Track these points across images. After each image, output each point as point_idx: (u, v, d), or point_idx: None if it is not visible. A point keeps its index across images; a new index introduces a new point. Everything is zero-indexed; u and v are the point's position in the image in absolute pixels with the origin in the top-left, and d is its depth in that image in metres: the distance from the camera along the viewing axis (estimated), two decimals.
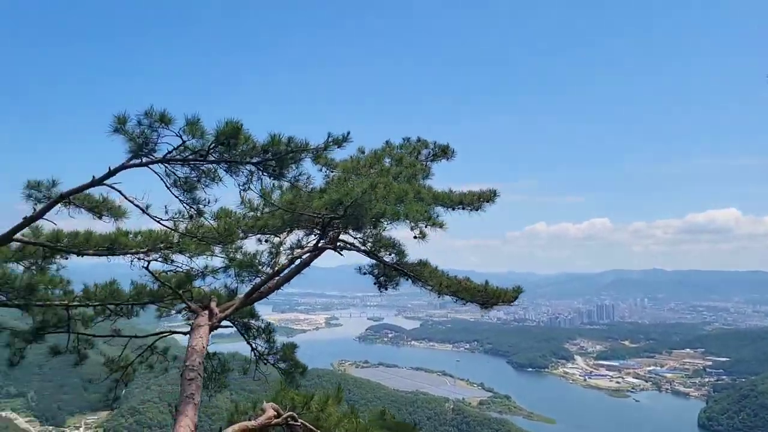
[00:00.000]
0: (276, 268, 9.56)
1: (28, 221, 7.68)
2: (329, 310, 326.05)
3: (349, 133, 7.06)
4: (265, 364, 10.81)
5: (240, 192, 9.44)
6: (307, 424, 6.32)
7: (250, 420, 6.19)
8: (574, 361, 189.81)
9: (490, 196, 10.47)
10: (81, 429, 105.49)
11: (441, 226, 8.90)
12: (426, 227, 8.76)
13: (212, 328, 8.29)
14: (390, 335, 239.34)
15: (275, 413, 6.28)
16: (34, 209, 7.77)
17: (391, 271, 10.26)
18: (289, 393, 6.97)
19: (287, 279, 9.55)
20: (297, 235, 10.58)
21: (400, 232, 9.98)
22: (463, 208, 10.24)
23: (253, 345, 10.67)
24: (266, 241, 10.67)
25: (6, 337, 10.71)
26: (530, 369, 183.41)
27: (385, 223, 8.64)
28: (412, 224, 8.58)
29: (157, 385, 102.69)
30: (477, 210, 10.33)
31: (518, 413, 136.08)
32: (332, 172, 10.82)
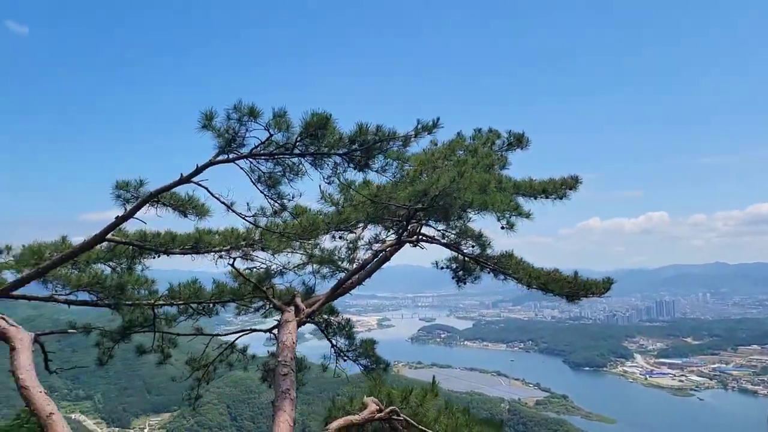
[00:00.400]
0: (358, 263, 9.44)
1: (119, 220, 7.78)
2: (381, 312, 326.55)
3: (439, 119, 6.85)
4: (345, 360, 10.72)
5: (320, 186, 9.41)
6: (409, 419, 6.14)
7: (352, 415, 6.07)
8: (633, 360, 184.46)
9: (573, 184, 10.08)
10: (146, 430, 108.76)
11: (528, 216, 8.61)
12: (511, 217, 8.48)
13: (299, 324, 8.23)
14: (442, 335, 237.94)
15: (377, 408, 6.14)
16: (125, 209, 7.88)
17: (471, 264, 10.02)
18: (384, 388, 6.81)
19: (369, 274, 9.43)
20: (373, 229, 10.46)
21: (475, 223, 9.74)
22: (546, 197, 9.89)
23: (333, 342, 10.59)
24: (340, 237, 10.57)
25: (90, 338, 10.98)
26: (587, 368, 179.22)
27: (471, 213, 8.40)
28: (498, 214, 8.30)
29: (216, 387, 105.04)
30: (561, 198, 9.96)
31: (576, 413, 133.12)
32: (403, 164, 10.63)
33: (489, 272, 9.71)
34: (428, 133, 6.87)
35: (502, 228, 8.48)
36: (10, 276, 8.39)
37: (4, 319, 7.39)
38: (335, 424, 5.74)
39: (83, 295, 9.08)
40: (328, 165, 7.57)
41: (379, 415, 6.04)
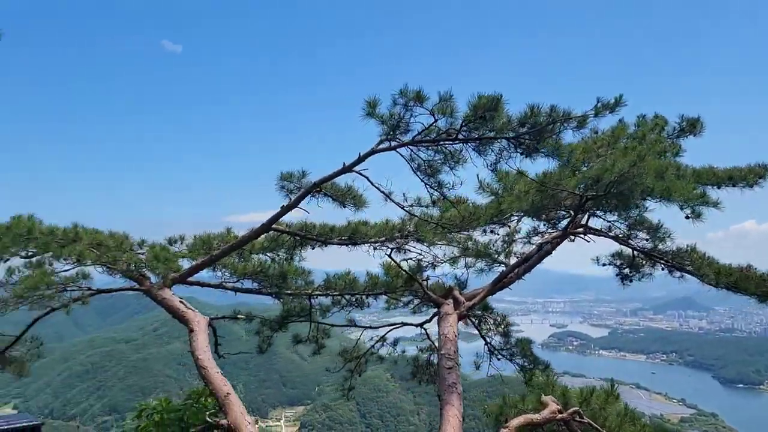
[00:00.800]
0: (516, 257, 8.99)
1: (284, 210, 7.96)
2: (509, 316, 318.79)
3: (621, 96, 6.25)
4: (499, 359, 10.28)
5: (477, 175, 9.04)
6: (593, 423, 5.62)
7: (529, 414, 5.66)
8: None
9: (762, 172, 8.90)
10: (282, 421, 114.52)
11: (716, 205, 7.70)
12: (696, 206, 7.61)
13: (459, 317, 7.94)
14: (575, 343, 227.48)
15: (558, 408, 5.68)
16: (289, 199, 8.06)
17: (640, 260, 9.18)
18: (558, 387, 6.33)
19: (530, 268, 8.94)
20: (528, 222, 9.92)
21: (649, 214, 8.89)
22: (734, 185, 8.78)
23: (487, 339, 10.19)
24: (491, 231, 10.13)
25: (233, 330, 11.40)
26: (741, 385, 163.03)
27: (650, 202, 7.62)
28: (682, 203, 7.47)
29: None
30: (752, 186, 8.81)
31: None
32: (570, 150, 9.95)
33: (663, 269, 8.83)
34: (610, 112, 6.28)
35: (687, 218, 7.63)
36: (185, 264, 8.91)
37: (183, 303, 7.82)
38: (515, 422, 5.37)
39: (247, 284, 9.47)
40: (492, 151, 7.21)
41: (560, 415, 5.59)
